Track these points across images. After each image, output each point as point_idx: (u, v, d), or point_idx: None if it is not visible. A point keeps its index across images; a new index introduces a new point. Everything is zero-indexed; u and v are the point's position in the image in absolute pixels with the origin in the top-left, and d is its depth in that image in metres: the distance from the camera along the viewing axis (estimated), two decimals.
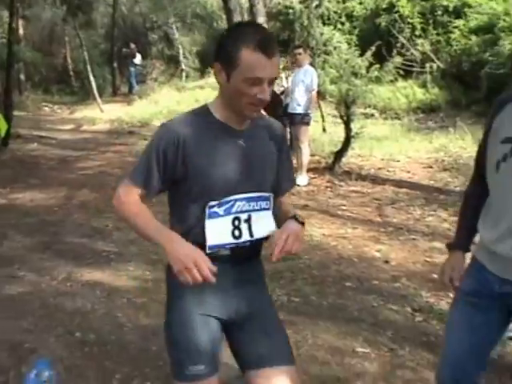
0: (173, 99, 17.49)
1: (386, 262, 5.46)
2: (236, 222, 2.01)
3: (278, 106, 8.64)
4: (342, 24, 16.95)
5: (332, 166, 8.99)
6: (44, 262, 5.34)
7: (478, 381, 2.40)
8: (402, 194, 7.88)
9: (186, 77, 22.11)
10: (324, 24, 16.69)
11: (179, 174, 1.98)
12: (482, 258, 2.27)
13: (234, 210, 2.01)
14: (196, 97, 17.39)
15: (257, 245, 2.11)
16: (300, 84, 8.40)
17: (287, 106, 8.83)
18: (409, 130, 12.44)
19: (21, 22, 20.00)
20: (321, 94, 9.70)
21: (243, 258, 2.08)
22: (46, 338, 3.81)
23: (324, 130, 11.81)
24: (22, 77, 21.38)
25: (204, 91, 18.15)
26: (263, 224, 2.07)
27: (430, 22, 15.21)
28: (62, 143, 13.02)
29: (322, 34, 16.04)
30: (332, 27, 16.45)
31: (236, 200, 2.00)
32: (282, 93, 9.70)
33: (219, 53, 1.94)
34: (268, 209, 2.10)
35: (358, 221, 6.61)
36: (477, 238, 2.35)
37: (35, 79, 23.43)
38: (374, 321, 4.22)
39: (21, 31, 20.45)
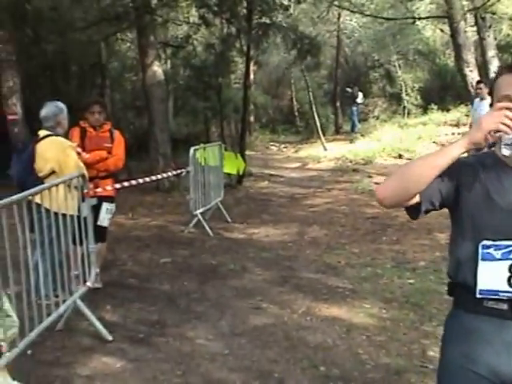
0: (395, 136, 17.37)
1: None
2: None
3: None
4: None
5: None
6: (283, 295, 5.58)
7: None
8: None
9: (408, 114, 21.93)
10: None
11: (451, 199, 1.93)
12: None
13: None
14: (419, 134, 17.13)
15: None
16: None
17: None
18: None
19: (252, 67, 21.40)
20: None
21: None
22: (293, 370, 3.97)
23: None
24: (252, 118, 22.81)
25: (427, 128, 17.82)
26: None
27: None
28: (290, 181, 13.62)
29: None
30: None
31: None
32: None
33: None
34: None
35: None
36: None
37: (263, 120, 24.92)
38: None
39: (251, 76, 21.89)
